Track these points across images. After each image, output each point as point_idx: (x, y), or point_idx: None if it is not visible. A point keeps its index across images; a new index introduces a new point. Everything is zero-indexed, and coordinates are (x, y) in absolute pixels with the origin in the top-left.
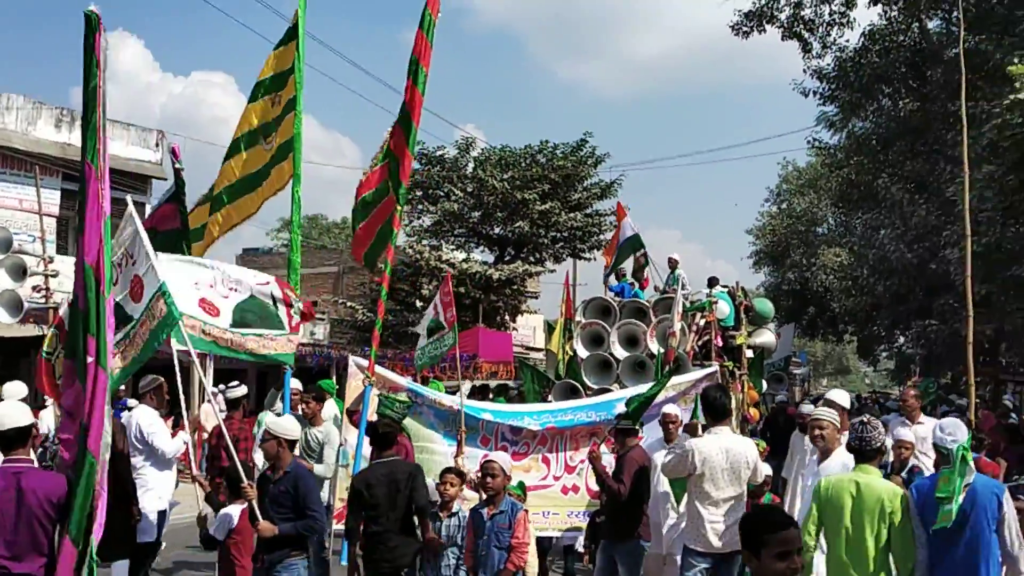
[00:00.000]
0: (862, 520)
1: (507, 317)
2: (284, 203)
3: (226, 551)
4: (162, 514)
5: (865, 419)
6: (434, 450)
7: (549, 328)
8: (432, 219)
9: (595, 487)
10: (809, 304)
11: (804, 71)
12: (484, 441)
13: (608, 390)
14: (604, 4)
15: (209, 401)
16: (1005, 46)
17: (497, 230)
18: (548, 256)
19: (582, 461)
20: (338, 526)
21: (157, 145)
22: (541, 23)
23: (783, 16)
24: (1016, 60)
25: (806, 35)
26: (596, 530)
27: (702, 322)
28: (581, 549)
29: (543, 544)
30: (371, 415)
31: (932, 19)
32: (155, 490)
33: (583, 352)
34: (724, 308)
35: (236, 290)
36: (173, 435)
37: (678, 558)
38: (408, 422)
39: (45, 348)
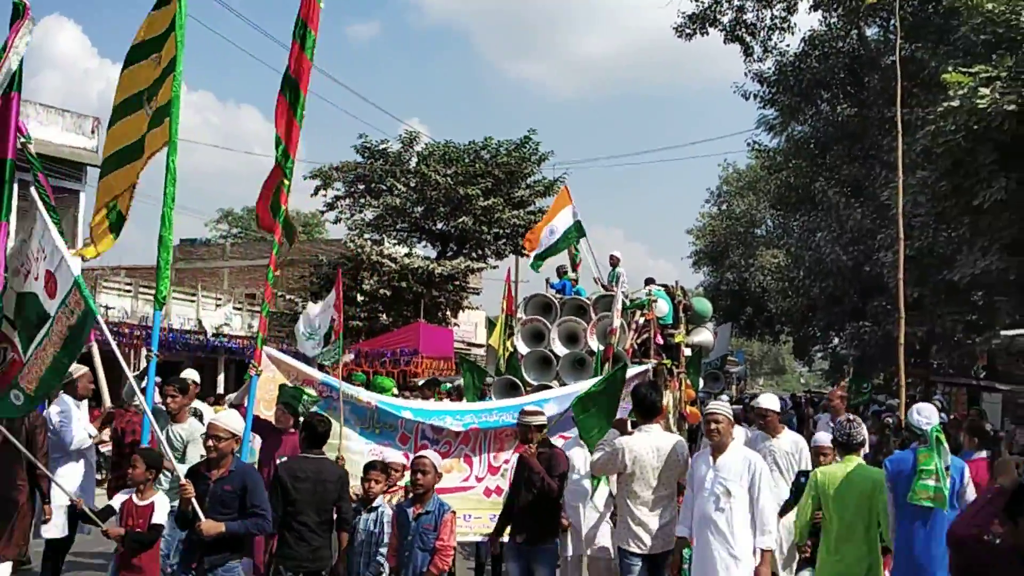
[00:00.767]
0: (855, 502)
1: (449, 313)
2: (224, 194)
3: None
4: (71, 508)
5: (851, 417)
6: (349, 448)
7: (490, 324)
8: (374, 213)
9: None
10: (747, 304)
11: (745, 74)
12: (403, 439)
13: (548, 386)
14: (552, 3)
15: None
16: (940, 55)
17: (440, 225)
18: (490, 252)
19: (506, 462)
20: None
21: (93, 132)
22: (488, 20)
23: (726, 20)
24: (951, 68)
25: (748, 39)
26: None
27: (641, 320)
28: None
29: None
30: (258, 408)
31: (870, 27)
32: (62, 482)
33: (523, 348)
34: (663, 307)
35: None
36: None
37: (598, 559)
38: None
39: None
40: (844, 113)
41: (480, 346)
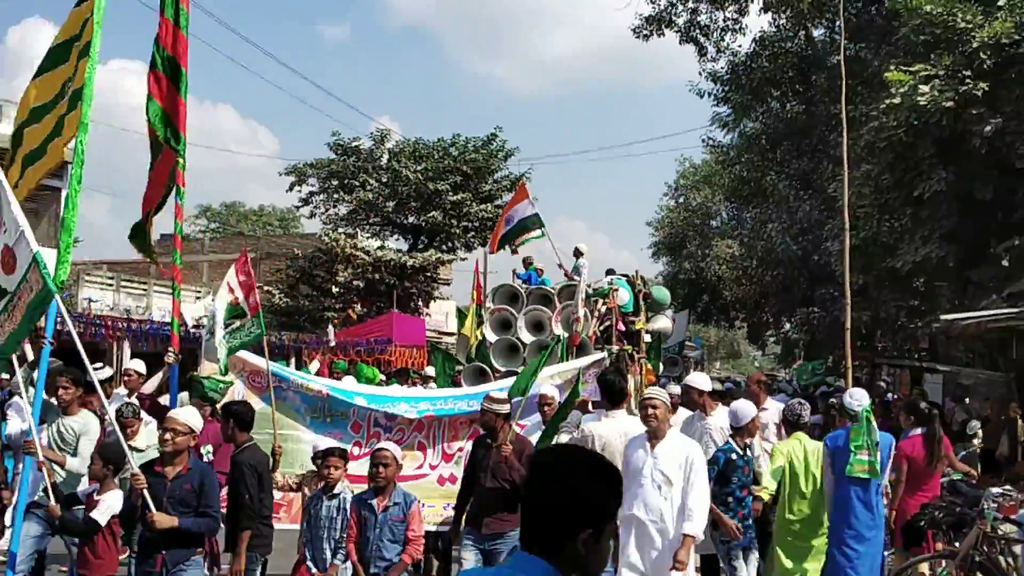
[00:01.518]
0: (809, 471)
1: (420, 303)
2: (201, 190)
3: (92, 541)
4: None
5: (801, 401)
6: (299, 438)
7: (460, 314)
8: (347, 208)
9: None
10: (703, 292)
11: (700, 74)
12: (355, 427)
13: (515, 372)
14: (517, 4)
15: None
16: (882, 54)
17: (411, 219)
18: (460, 245)
19: (460, 450)
20: None
21: None
22: (456, 20)
23: (681, 21)
24: (892, 67)
25: (702, 40)
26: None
27: (603, 308)
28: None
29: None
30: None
31: (817, 28)
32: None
33: (492, 336)
34: (624, 295)
35: None
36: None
37: None
38: (269, 410)
39: None
40: (793, 110)
41: (451, 335)
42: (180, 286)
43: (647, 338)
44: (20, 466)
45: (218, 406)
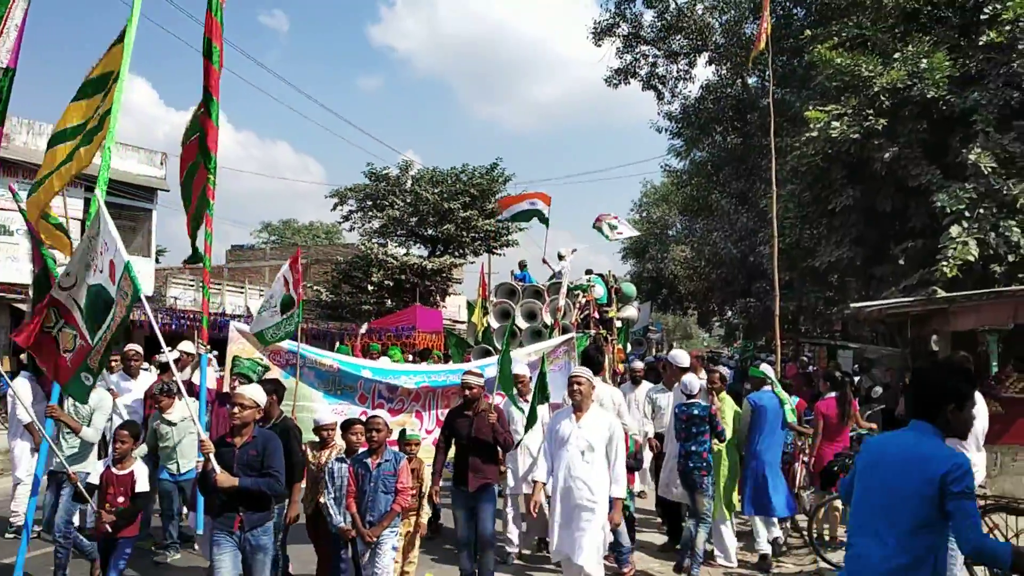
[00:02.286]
0: (734, 422)
1: (438, 298)
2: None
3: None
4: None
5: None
6: (314, 408)
7: (470, 306)
8: (379, 223)
9: None
10: (662, 287)
11: (658, 114)
12: (362, 399)
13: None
14: (514, 58)
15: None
16: (803, 97)
17: (430, 232)
18: (469, 252)
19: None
20: None
21: (162, 163)
22: (466, 74)
23: (643, 72)
24: (811, 107)
25: (660, 87)
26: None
27: (583, 300)
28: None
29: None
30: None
31: (751, 77)
32: (17, 463)
33: (495, 324)
34: (599, 290)
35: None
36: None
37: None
38: (290, 382)
39: (44, 324)
40: (732, 142)
41: (463, 323)
42: (209, 287)
43: (618, 324)
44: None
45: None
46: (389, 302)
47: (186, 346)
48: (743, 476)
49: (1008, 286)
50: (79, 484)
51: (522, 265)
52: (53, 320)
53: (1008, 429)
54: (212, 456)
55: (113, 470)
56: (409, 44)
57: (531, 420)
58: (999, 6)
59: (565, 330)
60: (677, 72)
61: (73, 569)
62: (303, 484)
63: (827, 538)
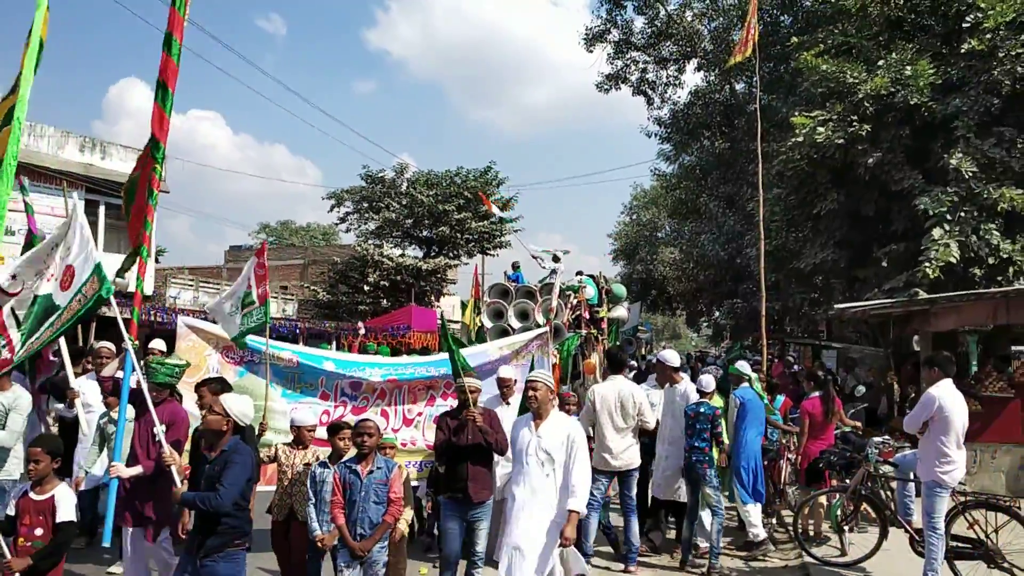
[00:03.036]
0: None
1: (433, 298)
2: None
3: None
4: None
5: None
6: (272, 408)
7: (464, 306)
8: (376, 224)
9: (432, 440)
10: (652, 288)
11: (648, 119)
12: (324, 397)
13: None
14: (506, 64)
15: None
16: (789, 103)
17: (425, 233)
18: (463, 253)
19: (419, 414)
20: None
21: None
22: (459, 78)
23: (633, 78)
24: (796, 113)
25: (650, 92)
26: (438, 485)
27: (574, 301)
28: (424, 500)
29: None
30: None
31: (739, 82)
32: None
33: (488, 323)
34: (590, 291)
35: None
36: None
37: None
38: (246, 380)
39: None
40: (720, 147)
41: (457, 322)
42: (144, 276)
43: (608, 324)
44: None
45: (178, 387)
46: (385, 302)
47: (158, 344)
48: (735, 467)
49: (988, 288)
50: None
51: (515, 266)
52: None
53: (987, 427)
54: (173, 468)
55: (31, 495)
56: (404, 48)
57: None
58: (980, 15)
59: (557, 330)
60: (667, 78)
61: None
62: (276, 491)
63: (811, 533)
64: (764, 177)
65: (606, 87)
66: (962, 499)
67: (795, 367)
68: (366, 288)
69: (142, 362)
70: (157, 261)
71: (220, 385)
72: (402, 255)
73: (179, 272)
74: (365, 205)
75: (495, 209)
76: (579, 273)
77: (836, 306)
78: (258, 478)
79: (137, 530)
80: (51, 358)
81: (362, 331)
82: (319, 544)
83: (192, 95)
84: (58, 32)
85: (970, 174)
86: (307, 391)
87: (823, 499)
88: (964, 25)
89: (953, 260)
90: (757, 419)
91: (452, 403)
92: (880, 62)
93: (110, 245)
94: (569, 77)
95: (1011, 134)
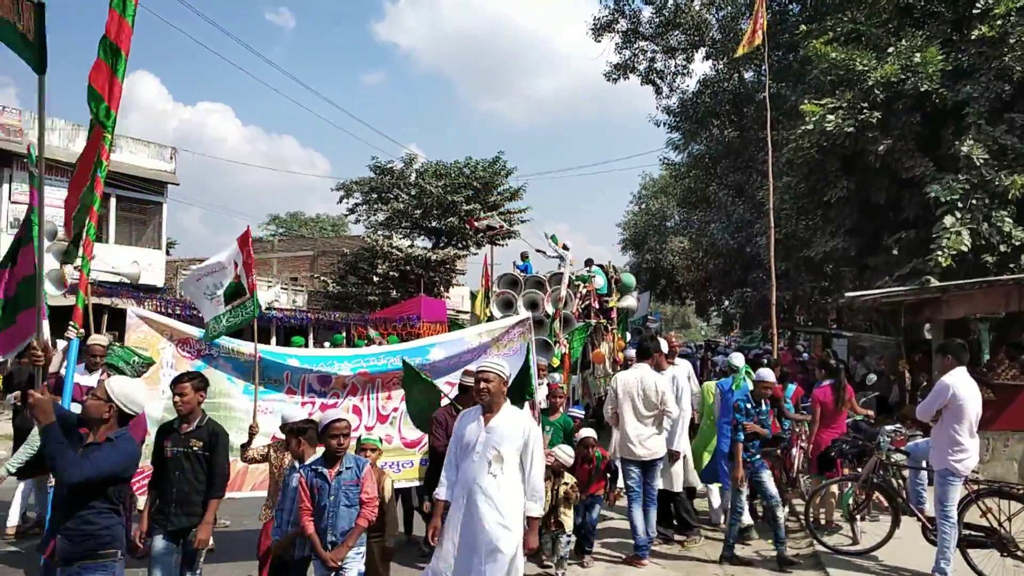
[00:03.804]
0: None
1: (442, 289)
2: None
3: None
4: None
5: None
6: (232, 406)
7: (473, 296)
8: (385, 215)
9: (409, 436)
10: (661, 277)
11: (657, 108)
12: (290, 392)
13: None
14: (513, 54)
15: None
16: (798, 91)
17: (434, 224)
18: (472, 243)
19: (395, 410)
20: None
21: (171, 158)
22: (467, 69)
23: (642, 68)
24: (806, 101)
25: (658, 82)
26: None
27: (584, 291)
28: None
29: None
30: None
31: (747, 71)
32: None
33: (498, 314)
34: (600, 280)
35: None
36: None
37: None
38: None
39: None
40: (729, 135)
41: (466, 313)
42: (91, 259)
43: (618, 313)
44: None
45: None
46: (394, 293)
47: (99, 339)
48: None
49: (1000, 275)
50: None
51: (524, 256)
52: None
53: (1000, 415)
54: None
55: None
56: (412, 40)
57: None
58: (991, 1)
59: (567, 320)
60: (675, 67)
61: None
62: (257, 495)
63: (823, 522)
64: (774, 165)
65: (614, 77)
66: (975, 487)
67: (804, 355)
68: (375, 279)
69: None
70: (168, 253)
71: (201, 382)
72: (411, 246)
73: (190, 264)
74: (374, 196)
75: (487, 223)
76: (589, 262)
77: (847, 294)
78: (130, 477)
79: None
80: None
81: (375, 336)
82: (276, 547)
83: (201, 88)
84: (65, 27)
85: (981, 161)
86: (271, 386)
87: (835, 488)
88: (974, 11)
89: (965, 248)
90: (727, 408)
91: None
92: (890, 49)
93: (121, 237)
94: (577, 67)
95: (1022, 120)
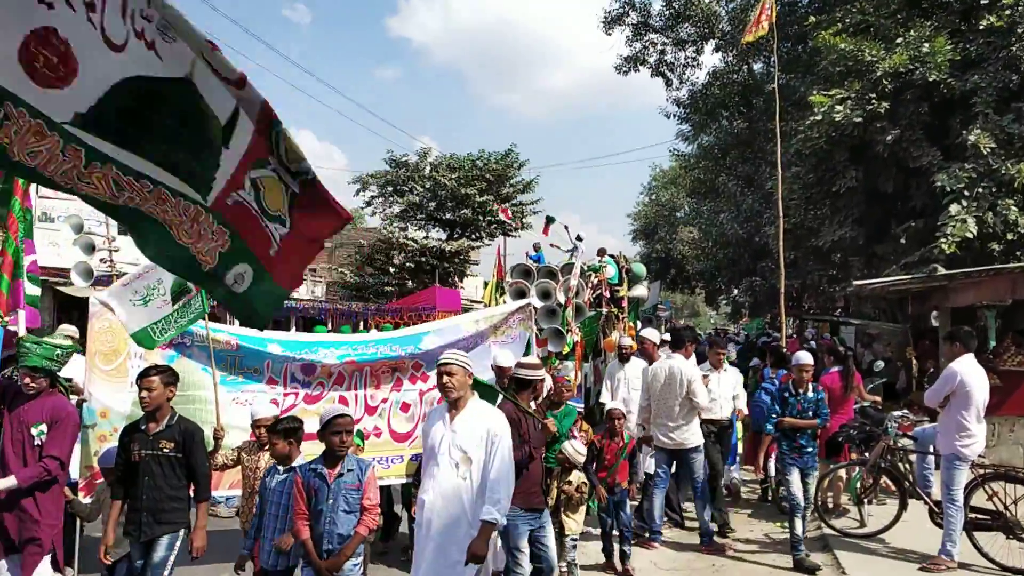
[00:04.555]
0: None
1: (456, 279)
2: None
3: None
4: None
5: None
6: (207, 398)
7: (487, 287)
8: (400, 208)
9: (400, 429)
10: (671, 267)
11: (667, 100)
12: (271, 383)
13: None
14: (525, 48)
15: None
16: (807, 82)
17: (448, 216)
18: (485, 235)
19: (384, 401)
20: (86, 498)
21: None
22: (480, 63)
23: (652, 60)
24: (815, 92)
25: (668, 74)
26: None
27: (595, 280)
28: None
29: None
30: (94, 362)
31: (757, 63)
32: None
33: (511, 303)
34: (611, 270)
35: None
36: None
37: None
38: (178, 366)
39: None
40: (738, 127)
41: (479, 303)
42: (12, 235)
43: (628, 302)
44: None
45: (97, 376)
46: (410, 283)
47: (66, 328)
48: None
49: (1006, 263)
50: None
51: (536, 247)
52: None
53: (1006, 401)
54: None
55: None
56: (425, 35)
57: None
58: None
59: (578, 309)
60: (685, 59)
61: None
62: (249, 499)
63: (831, 505)
64: (782, 156)
65: (624, 69)
66: (981, 471)
67: (810, 342)
68: (392, 270)
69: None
70: None
71: (170, 377)
72: (426, 237)
73: None
74: (390, 189)
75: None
76: (601, 252)
77: (855, 283)
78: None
79: (11, 562)
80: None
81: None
82: (240, 561)
83: None
84: None
85: (988, 150)
86: (251, 377)
87: (843, 472)
88: (982, 1)
89: (971, 236)
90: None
91: (422, 386)
92: (898, 39)
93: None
94: (588, 60)
95: None
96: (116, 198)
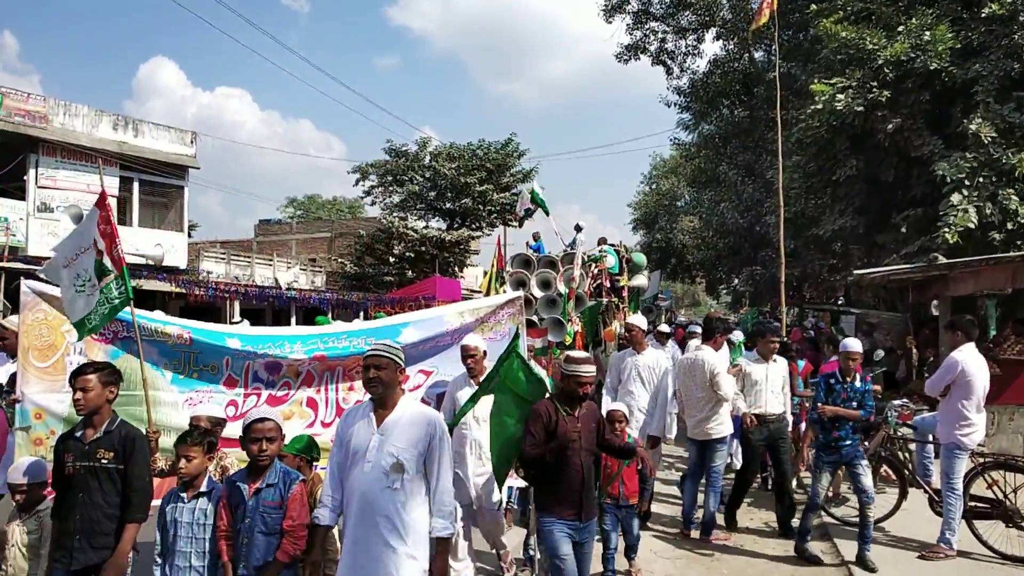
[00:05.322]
0: None
1: (456, 269)
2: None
3: None
4: None
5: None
6: (158, 399)
7: (486, 275)
8: (400, 197)
9: None
10: (671, 256)
11: (667, 88)
12: (230, 383)
13: (532, 322)
14: (525, 36)
15: None
16: (808, 71)
17: (448, 205)
18: (485, 224)
19: (358, 402)
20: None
21: (192, 142)
22: (480, 52)
23: (652, 48)
24: (816, 80)
25: (669, 62)
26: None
27: (596, 270)
28: None
29: None
30: (27, 358)
31: (758, 51)
32: None
33: (511, 292)
34: (611, 260)
35: None
36: None
37: (486, 511)
38: (122, 363)
39: None
40: (739, 115)
41: (479, 292)
42: None
43: (629, 292)
44: None
45: (29, 374)
46: (410, 273)
47: (9, 322)
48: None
49: (1006, 252)
50: None
51: (536, 237)
52: None
53: (1005, 390)
54: None
55: None
56: (424, 24)
57: (464, 409)
58: None
59: (578, 299)
60: (685, 47)
61: None
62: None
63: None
64: (783, 145)
65: (625, 58)
66: (980, 460)
67: (809, 331)
68: (391, 260)
69: None
70: (190, 236)
71: (110, 376)
72: (426, 227)
73: (211, 246)
74: (389, 178)
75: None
76: (601, 241)
77: (855, 272)
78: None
79: None
80: None
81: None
82: None
83: (220, 73)
84: (86, 15)
85: (989, 139)
86: (207, 376)
87: None
88: None
89: (971, 225)
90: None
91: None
92: (900, 28)
93: (144, 220)
94: (588, 48)
95: None
96: None
